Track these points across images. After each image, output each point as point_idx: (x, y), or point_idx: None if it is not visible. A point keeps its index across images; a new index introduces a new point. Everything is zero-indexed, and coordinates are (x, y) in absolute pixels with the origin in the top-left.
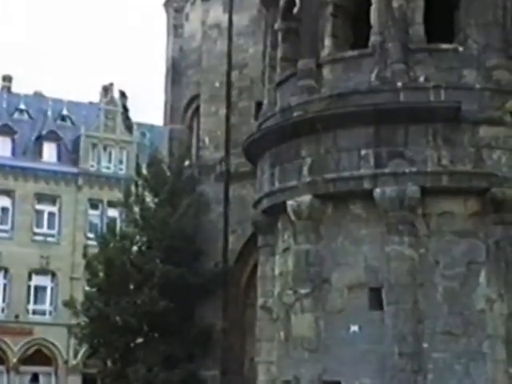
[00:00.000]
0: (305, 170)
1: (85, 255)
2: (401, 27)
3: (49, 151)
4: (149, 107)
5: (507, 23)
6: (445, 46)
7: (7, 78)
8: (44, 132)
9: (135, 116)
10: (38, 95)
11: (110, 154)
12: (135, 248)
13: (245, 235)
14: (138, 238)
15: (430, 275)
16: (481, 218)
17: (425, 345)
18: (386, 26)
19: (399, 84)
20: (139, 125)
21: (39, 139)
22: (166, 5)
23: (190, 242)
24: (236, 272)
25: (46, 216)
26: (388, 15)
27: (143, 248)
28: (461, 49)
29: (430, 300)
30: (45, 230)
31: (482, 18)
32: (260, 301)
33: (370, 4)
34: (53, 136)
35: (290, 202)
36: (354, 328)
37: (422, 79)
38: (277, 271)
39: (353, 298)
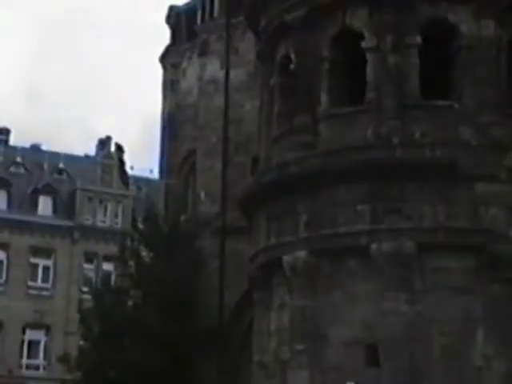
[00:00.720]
0: (301, 226)
1: (79, 309)
2: (396, 84)
3: (44, 204)
4: (146, 161)
5: (502, 80)
6: (440, 102)
7: (4, 131)
8: (40, 185)
9: (131, 169)
10: (35, 148)
11: (106, 208)
12: (130, 303)
13: (241, 290)
14: (133, 292)
15: (426, 332)
16: (477, 274)
17: None
18: (381, 82)
19: (395, 140)
20: (135, 179)
21: (35, 192)
22: (163, 60)
23: (185, 297)
24: (232, 327)
25: (40, 269)
26: (384, 72)
27: (138, 303)
28: (456, 105)
29: (426, 357)
30: (39, 283)
31: (476, 74)
32: (256, 357)
33: (365, 60)
34: (49, 189)
35: (285, 258)
36: None
37: (417, 135)
38: (273, 327)
39: (349, 355)
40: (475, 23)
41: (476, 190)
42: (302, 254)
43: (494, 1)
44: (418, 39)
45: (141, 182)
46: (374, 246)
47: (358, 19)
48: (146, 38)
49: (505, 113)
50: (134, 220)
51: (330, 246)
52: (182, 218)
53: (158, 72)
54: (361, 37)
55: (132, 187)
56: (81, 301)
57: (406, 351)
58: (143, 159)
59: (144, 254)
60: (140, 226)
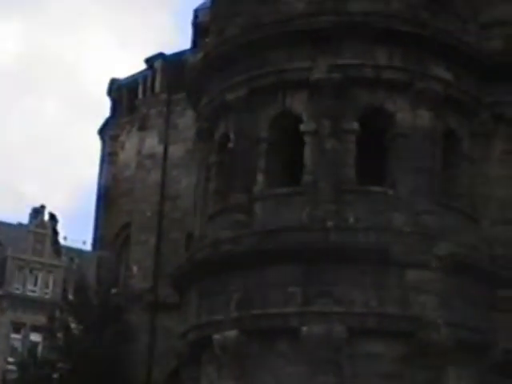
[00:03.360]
0: (232, 305)
1: (4, 380)
2: (333, 168)
3: None
4: (79, 232)
5: (435, 170)
6: (375, 188)
7: None
8: None
9: (65, 240)
10: None
11: (37, 278)
12: (56, 376)
13: (169, 367)
14: (60, 365)
15: None
16: (406, 360)
17: None
18: (318, 165)
19: (329, 224)
20: (68, 249)
21: None
22: (101, 132)
23: (113, 372)
24: None
25: None
26: (321, 155)
27: (65, 376)
28: (390, 192)
29: None
30: None
31: (411, 163)
32: None
33: (303, 143)
34: None
35: (215, 337)
36: None
37: (351, 220)
38: None
39: None
40: (411, 112)
41: (407, 276)
42: (232, 333)
43: (429, 92)
44: (356, 125)
45: (73, 252)
46: (304, 329)
47: (298, 102)
48: (84, 108)
49: (437, 202)
50: (64, 291)
51: (260, 327)
52: (114, 291)
53: (95, 142)
54: (300, 120)
55: (64, 258)
56: (5, 372)
57: None
58: (77, 230)
59: (73, 326)
60: (70, 297)
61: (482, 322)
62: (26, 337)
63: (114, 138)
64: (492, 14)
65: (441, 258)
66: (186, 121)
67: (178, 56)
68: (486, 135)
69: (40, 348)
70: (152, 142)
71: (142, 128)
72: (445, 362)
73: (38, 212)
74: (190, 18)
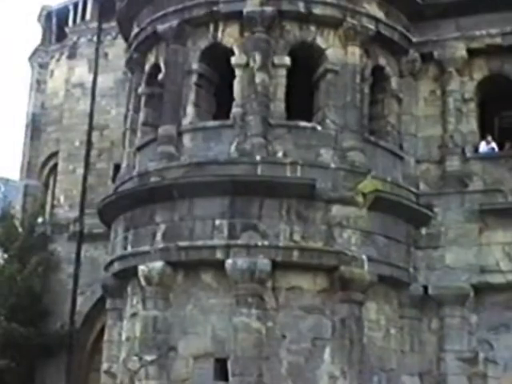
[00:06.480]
0: (158, 236)
1: None
2: (262, 102)
3: None
4: (7, 161)
5: (364, 107)
6: (303, 123)
7: None
8: None
9: None
10: None
11: None
12: None
13: (94, 297)
14: None
15: (276, 349)
16: (328, 294)
17: None
18: (248, 99)
19: (257, 157)
20: None
21: None
22: (31, 59)
23: (36, 301)
24: (82, 334)
25: None
26: (250, 89)
27: None
28: (319, 128)
29: (274, 373)
30: None
31: (340, 100)
32: (104, 365)
33: (234, 76)
34: None
35: (141, 267)
36: None
37: (280, 154)
38: (124, 336)
39: (198, 368)
40: (342, 49)
41: (332, 212)
42: (157, 264)
43: (360, 29)
44: (287, 60)
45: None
46: (229, 261)
47: (229, 35)
48: (17, 36)
49: (365, 139)
50: None
51: (186, 259)
52: (39, 220)
53: (25, 71)
54: (231, 53)
55: None
56: None
57: (255, 367)
58: (4, 158)
59: None
60: None
61: (404, 258)
62: None
63: (43, 66)
64: None
65: (365, 195)
66: (117, 50)
67: None
68: (415, 74)
69: None
70: (81, 71)
71: (72, 56)
72: (366, 297)
73: None
74: None
